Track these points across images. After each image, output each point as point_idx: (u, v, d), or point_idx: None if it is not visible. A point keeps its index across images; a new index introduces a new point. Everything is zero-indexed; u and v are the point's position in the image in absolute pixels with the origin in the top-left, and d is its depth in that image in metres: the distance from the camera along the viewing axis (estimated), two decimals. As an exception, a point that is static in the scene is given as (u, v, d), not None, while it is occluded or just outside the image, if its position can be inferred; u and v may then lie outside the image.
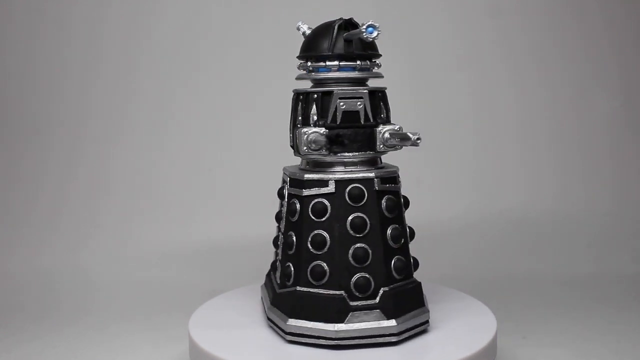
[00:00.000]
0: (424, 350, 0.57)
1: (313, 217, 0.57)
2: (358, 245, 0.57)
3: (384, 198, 0.58)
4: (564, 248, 1.06)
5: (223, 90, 1.13)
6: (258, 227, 0.89)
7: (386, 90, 0.62)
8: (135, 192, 1.11)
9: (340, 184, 0.58)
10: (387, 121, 0.61)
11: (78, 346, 0.79)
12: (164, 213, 1.10)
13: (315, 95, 0.59)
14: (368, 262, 0.57)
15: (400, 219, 0.60)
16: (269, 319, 0.61)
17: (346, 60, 0.59)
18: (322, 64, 0.59)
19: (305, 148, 0.58)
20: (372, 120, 0.59)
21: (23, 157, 1.11)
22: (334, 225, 0.57)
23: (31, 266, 1.01)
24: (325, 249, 0.57)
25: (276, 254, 0.64)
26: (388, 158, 0.63)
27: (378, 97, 0.60)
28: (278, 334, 0.59)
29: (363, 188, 0.58)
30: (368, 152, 0.59)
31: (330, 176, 0.58)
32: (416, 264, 0.61)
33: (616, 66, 1.18)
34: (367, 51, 0.59)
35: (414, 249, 0.62)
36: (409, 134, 0.56)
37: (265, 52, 1.13)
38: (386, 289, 0.57)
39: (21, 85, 1.13)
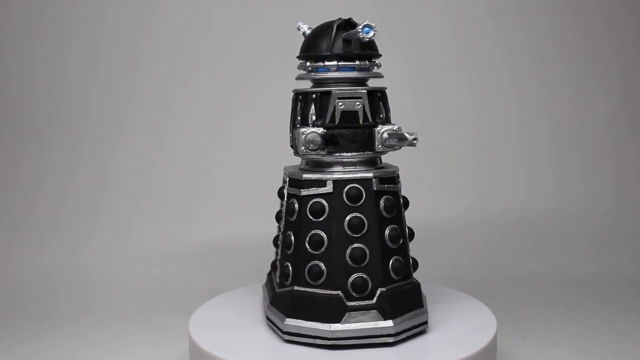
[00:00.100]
0: (423, 350, 0.57)
1: (311, 217, 0.57)
2: (355, 245, 0.57)
3: (383, 198, 0.58)
4: (564, 248, 1.05)
5: (223, 90, 1.13)
6: (258, 227, 0.89)
7: (386, 90, 0.61)
8: (135, 192, 1.11)
9: (338, 184, 0.58)
10: (386, 121, 0.61)
11: (78, 346, 0.79)
12: (164, 213, 1.10)
13: (314, 95, 0.59)
14: (365, 263, 0.57)
15: (399, 219, 0.59)
16: (267, 318, 0.61)
17: (345, 60, 0.59)
18: (321, 64, 0.59)
19: (303, 148, 0.58)
20: (370, 121, 0.59)
21: (23, 157, 1.11)
22: (331, 225, 0.57)
23: (31, 266, 1.01)
24: (323, 249, 0.57)
25: (276, 253, 0.64)
26: (388, 158, 0.63)
27: (377, 97, 0.60)
28: (276, 333, 0.59)
29: (361, 188, 0.57)
30: (367, 152, 0.59)
31: (328, 176, 0.58)
32: (415, 264, 0.61)
33: (616, 66, 1.18)
34: (366, 51, 0.59)
35: (414, 249, 0.62)
36: (405, 134, 0.56)
37: (265, 52, 1.13)
38: (383, 289, 0.56)
39: (21, 85, 1.13)
